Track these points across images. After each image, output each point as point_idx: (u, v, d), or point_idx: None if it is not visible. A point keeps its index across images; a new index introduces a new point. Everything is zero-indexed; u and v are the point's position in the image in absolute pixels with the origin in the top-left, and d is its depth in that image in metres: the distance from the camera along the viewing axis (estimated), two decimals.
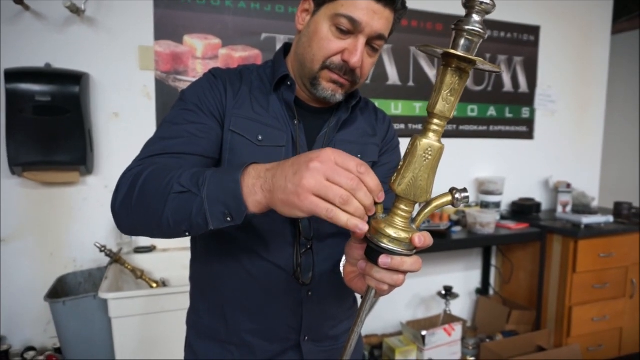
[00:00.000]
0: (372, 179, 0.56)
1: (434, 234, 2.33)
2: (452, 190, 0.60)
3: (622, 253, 2.58)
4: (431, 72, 2.63)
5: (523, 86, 2.92)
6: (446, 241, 2.34)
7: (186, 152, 0.75)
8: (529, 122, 2.97)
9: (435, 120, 0.57)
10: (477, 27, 0.53)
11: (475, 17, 0.54)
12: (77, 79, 1.82)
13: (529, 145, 2.98)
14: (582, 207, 2.89)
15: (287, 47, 0.92)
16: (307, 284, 0.85)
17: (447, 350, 2.35)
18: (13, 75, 1.74)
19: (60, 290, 1.83)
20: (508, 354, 2.30)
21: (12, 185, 1.90)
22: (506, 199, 2.86)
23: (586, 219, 2.54)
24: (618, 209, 2.78)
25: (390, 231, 0.59)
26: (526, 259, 2.72)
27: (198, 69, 2.12)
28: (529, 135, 2.97)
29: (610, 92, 3.31)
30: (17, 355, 1.88)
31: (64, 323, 1.68)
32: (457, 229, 2.49)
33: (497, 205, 2.73)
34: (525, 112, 2.94)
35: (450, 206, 0.62)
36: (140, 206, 0.66)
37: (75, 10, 1.84)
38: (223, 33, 2.15)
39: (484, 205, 2.73)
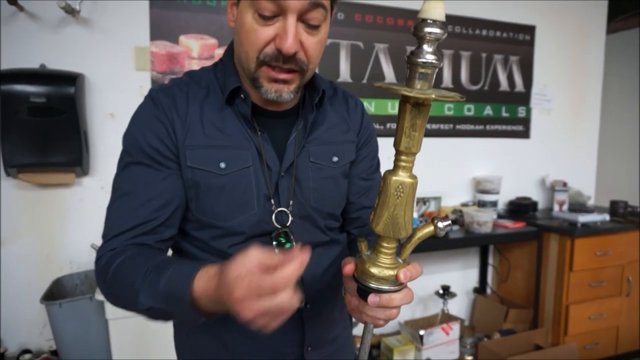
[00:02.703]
0: (283, 272, 0.49)
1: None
2: (434, 220, 0.60)
3: (618, 251, 2.59)
4: None
5: (519, 85, 2.92)
6: (443, 240, 2.34)
7: (149, 219, 0.72)
8: (525, 121, 2.97)
9: (403, 157, 0.57)
10: (429, 59, 0.52)
11: (427, 48, 0.52)
12: (72, 79, 1.82)
13: (525, 144, 2.99)
14: (578, 206, 2.89)
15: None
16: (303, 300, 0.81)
17: (445, 349, 2.36)
18: (7, 77, 1.73)
19: (56, 292, 1.82)
20: (506, 352, 2.30)
21: (7, 186, 1.88)
22: (503, 198, 2.86)
23: (582, 218, 2.55)
24: (614, 208, 2.79)
25: (375, 270, 0.59)
26: (523, 257, 2.72)
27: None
28: (525, 134, 2.98)
29: (606, 90, 3.32)
30: (13, 358, 1.86)
31: (60, 325, 1.68)
32: (455, 228, 2.49)
33: (494, 204, 2.73)
34: (521, 111, 2.95)
35: (437, 231, 0.61)
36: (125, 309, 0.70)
37: (70, 11, 1.83)
38: (219, 33, 2.14)
39: (481, 204, 2.74)
